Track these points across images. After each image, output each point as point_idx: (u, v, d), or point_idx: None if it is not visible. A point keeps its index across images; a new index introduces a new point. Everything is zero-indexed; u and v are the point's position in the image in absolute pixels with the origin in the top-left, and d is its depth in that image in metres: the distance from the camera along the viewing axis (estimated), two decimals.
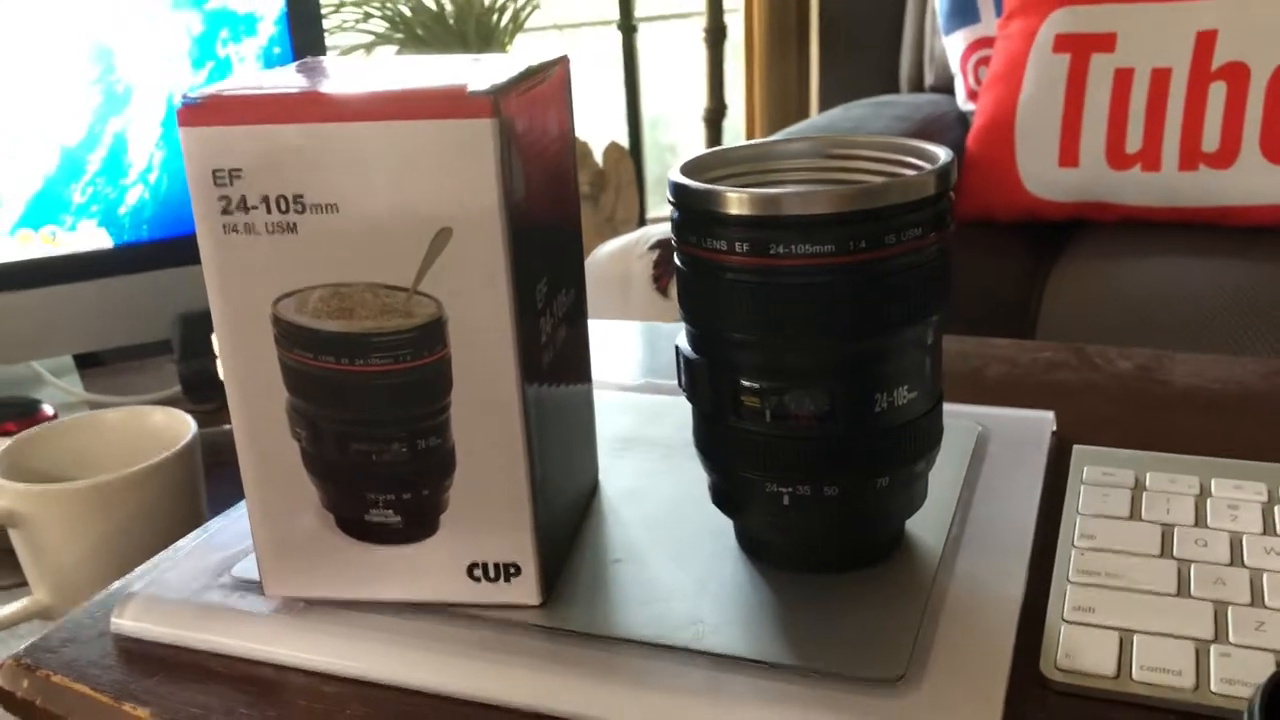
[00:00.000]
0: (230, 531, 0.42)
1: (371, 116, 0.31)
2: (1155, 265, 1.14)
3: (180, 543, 0.42)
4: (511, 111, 0.31)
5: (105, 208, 0.90)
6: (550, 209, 0.36)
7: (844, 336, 0.33)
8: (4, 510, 0.58)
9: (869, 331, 0.33)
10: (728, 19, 2.09)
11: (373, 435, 0.34)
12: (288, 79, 0.34)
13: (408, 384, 0.33)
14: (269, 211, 0.32)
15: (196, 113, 0.32)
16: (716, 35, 2.03)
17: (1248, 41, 1.13)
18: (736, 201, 0.31)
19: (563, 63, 0.38)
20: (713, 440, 0.36)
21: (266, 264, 0.33)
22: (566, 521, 0.39)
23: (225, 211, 0.33)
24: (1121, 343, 1.09)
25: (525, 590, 0.35)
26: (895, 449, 0.34)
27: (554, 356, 0.36)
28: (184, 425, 0.64)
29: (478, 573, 0.35)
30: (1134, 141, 1.17)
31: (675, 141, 2.46)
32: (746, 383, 0.33)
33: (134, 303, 0.93)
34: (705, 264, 0.33)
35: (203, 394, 0.91)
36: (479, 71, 0.33)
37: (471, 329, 0.32)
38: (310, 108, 0.31)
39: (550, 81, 0.36)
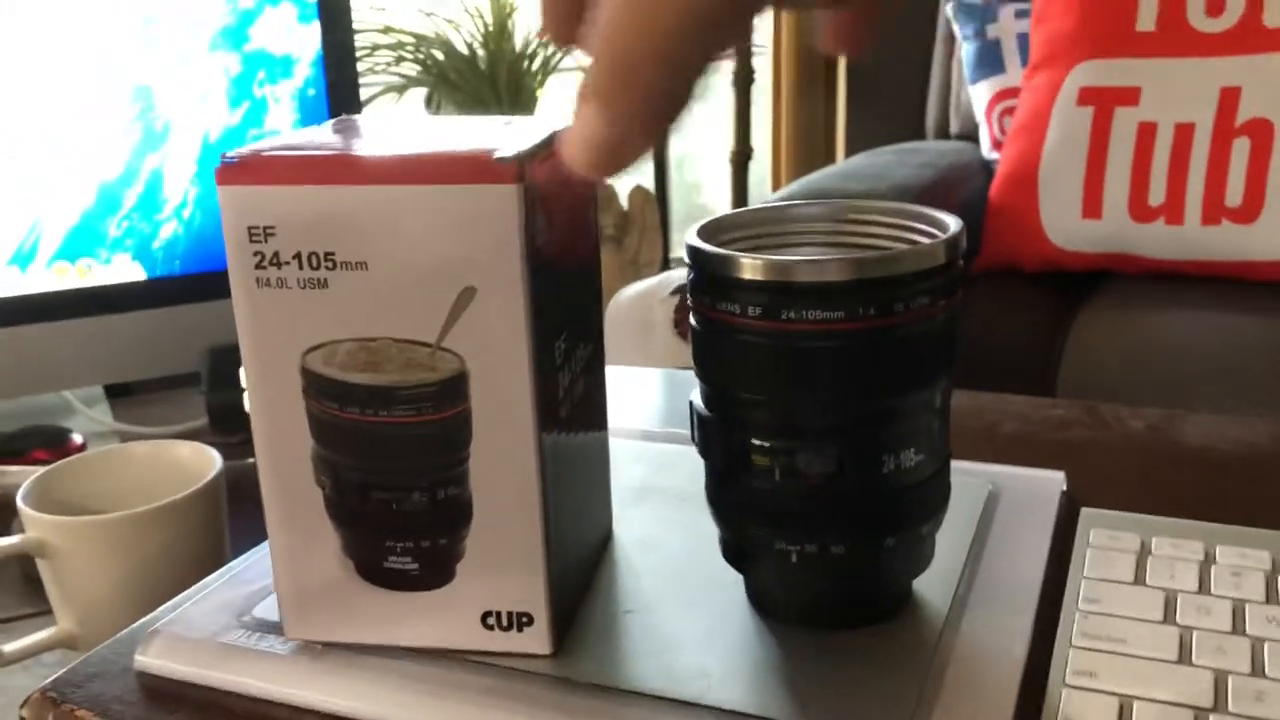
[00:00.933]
0: (253, 571, 0.43)
1: (401, 180, 0.32)
2: (1178, 318, 1.14)
3: (205, 580, 0.43)
4: (535, 176, 0.33)
5: (139, 242, 0.92)
6: (571, 265, 0.37)
7: (852, 399, 0.34)
8: (33, 541, 0.59)
9: (877, 394, 0.34)
10: (756, 62, 2.12)
11: (394, 484, 0.35)
12: (323, 138, 0.36)
13: (429, 436, 0.34)
14: (300, 268, 0.34)
15: (235, 172, 0.33)
16: (745, 79, 2.05)
17: (1271, 99, 1.14)
18: (750, 267, 0.32)
19: None
20: (723, 496, 0.37)
21: (296, 317, 0.34)
22: (580, 571, 0.40)
23: (259, 266, 0.34)
24: (1143, 395, 1.09)
25: (537, 640, 0.36)
26: (902, 510, 0.35)
27: (571, 409, 0.37)
28: (209, 461, 0.65)
29: (491, 621, 0.36)
30: (1157, 195, 1.18)
31: (700, 180, 2.47)
32: (757, 441, 0.34)
33: (165, 335, 0.95)
34: (719, 325, 0.34)
35: (229, 426, 0.93)
36: (507, 135, 0.34)
37: (492, 384, 0.34)
38: (342, 171, 0.33)
39: None
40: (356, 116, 0.42)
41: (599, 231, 0.40)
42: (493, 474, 0.35)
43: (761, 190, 2.19)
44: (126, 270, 0.93)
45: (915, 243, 0.36)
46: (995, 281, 1.28)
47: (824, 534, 0.35)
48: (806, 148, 2.08)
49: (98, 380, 1.03)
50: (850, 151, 1.98)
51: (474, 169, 0.32)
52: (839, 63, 2.07)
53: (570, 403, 0.37)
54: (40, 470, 0.63)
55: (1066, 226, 1.23)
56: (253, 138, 0.93)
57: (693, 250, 0.34)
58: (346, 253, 0.33)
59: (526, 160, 0.32)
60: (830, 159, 2.07)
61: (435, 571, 0.36)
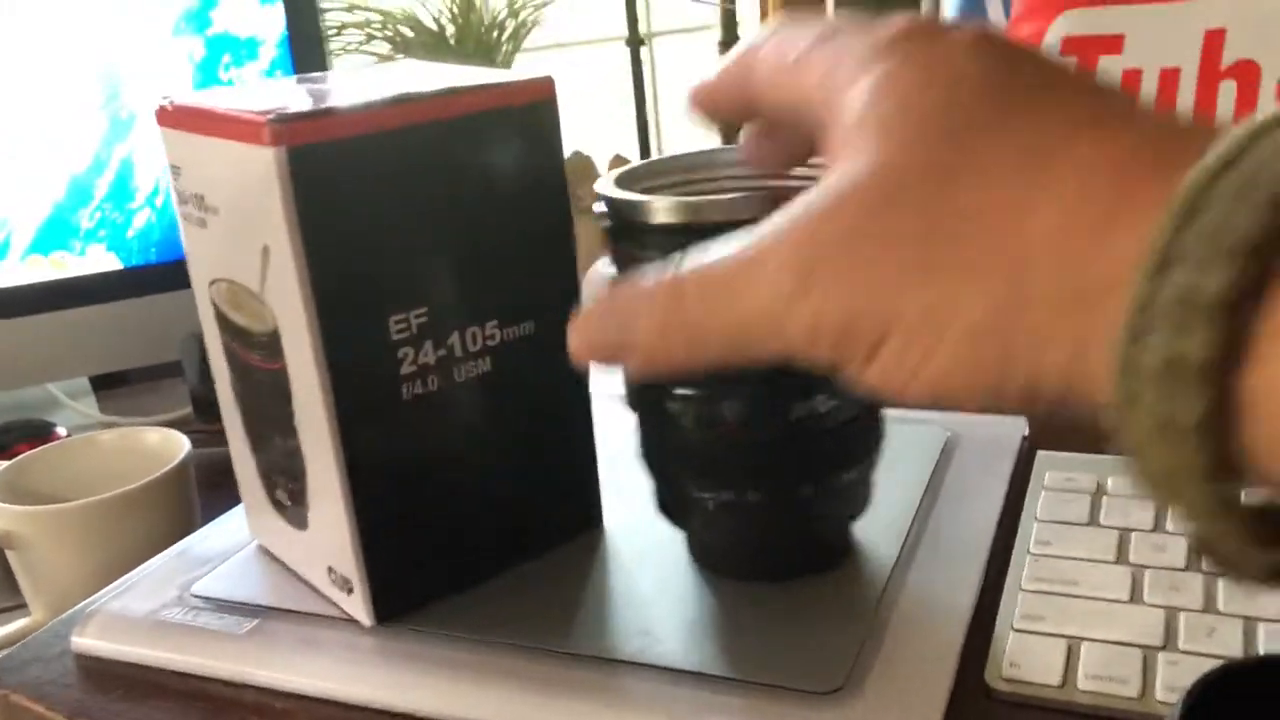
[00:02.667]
0: (199, 548, 0.42)
1: (201, 131, 0.33)
2: None
3: (148, 563, 0.42)
4: (340, 133, 0.31)
5: (113, 232, 0.92)
6: (470, 239, 0.35)
7: None
8: (1, 532, 0.59)
9: None
10: (742, 31, 2.09)
11: (265, 422, 0.37)
12: (246, 92, 0.36)
13: (270, 384, 0.35)
14: (195, 207, 0.36)
15: (160, 114, 0.37)
16: (731, 47, 2.02)
17: (1257, 39, 1.12)
18: (660, 210, 0.31)
19: (532, 88, 0.35)
20: (646, 446, 0.36)
21: (198, 250, 0.37)
22: (464, 546, 0.38)
23: (181, 202, 0.37)
24: None
25: (359, 607, 0.36)
26: (816, 457, 0.34)
27: (446, 387, 0.35)
28: (178, 445, 0.65)
29: (332, 577, 0.37)
30: None
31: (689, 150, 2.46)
32: (672, 390, 0.34)
33: (144, 325, 0.95)
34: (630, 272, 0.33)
35: (212, 413, 0.93)
36: (393, 87, 0.33)
37: (294, 347, 0.33)
38: (182, 118, 0.34)
39: (487, 99, 0.35)
40: (330, 73, 0.42)
41: (571, 204, 0.39)
42: (309, 436, 0.34)
43: None
44: (102, 261, 0.92)
45: None
46: None
47: (739, 482, 0.34)
48: None
49: (80, 372, 1.02)
50: None
51: (242, 128, 0.31)
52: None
53: (444, 380, 0.35)
54: (7, 464, 0.63)
55: None
56: None
57: (604, 198, 0.33)
58: (210, 198, 0.34)
59: (306, 119, 0.31)
60: None
61: (296, 515, 0.37)
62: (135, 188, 0.91)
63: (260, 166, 0.31)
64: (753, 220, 0.30)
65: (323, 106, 0.31)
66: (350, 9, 1.02)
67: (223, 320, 0.36)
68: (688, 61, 2.28)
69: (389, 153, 0.32)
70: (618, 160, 1.82)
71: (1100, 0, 1.20)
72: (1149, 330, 0.17)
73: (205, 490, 0.66)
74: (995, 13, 1.40)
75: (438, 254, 0.34)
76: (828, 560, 0.37)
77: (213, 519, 0.52)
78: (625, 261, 0.33)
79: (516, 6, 1.02)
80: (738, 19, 2.08)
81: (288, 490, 0.37)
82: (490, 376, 0.36)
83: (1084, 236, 0.19)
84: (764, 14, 2.10)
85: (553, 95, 0.35)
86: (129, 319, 0.94)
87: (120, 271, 0.92)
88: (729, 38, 2.05)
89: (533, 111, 0.35)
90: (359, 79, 0.37)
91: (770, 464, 0.34)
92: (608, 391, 0.53)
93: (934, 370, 0.21)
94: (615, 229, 0.33)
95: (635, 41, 1.82)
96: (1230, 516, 0.18)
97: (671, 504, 0.37)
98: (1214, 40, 1.12)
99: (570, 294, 0.37)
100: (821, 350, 0.23)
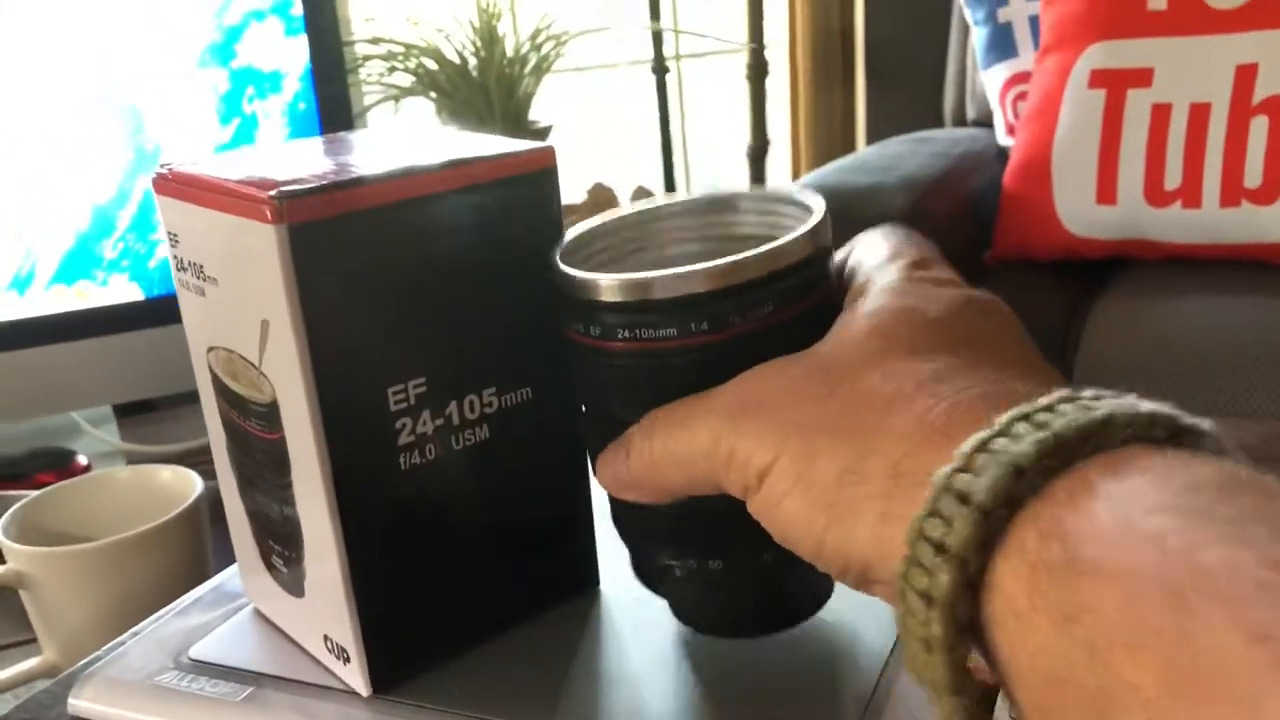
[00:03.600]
0: (194, 610, 0.42)
1: (201, 202, 0.33)
2: (1197, 304, 1.11)
3: (147, 621, 0.42)
4: (342, 208, 0.31)
5: (135, 262, 0.92)
6: (469, 308, 0.34)
7: None
8: (12, 573, 0.59)
9: None
10: (770, 55, 2.09)
11: (262, 490, 0.37)
12: (251, 157, 0.36)
13: (269, 453, 0.35)
14: (194, 275, 0.36)
15: (158, 182, 0.37)
16: (759, 71, 2.03)
17: None
18: (603, 288, 0.31)
19: (534, 158, 0.35)
20: (614, 515, 0.36)
21: (195, 318, 0.37)
22: (462, 612, 0.38)
23: (178, 268, 0.37)
24: (1163, 385, 1.06)
25: (356, 678, 0.36)
26: None
27: (444, 455, 0.35)
28: (190, 484, 0.65)
29: (329, 645, 0.36)
30: (1173, 178, 1.15)
31: (718, 174, 2.46)
32: None
33: (165, 354, 0.95)
34: (582, 348, 0.33)
35: None
36: (395, 158, 0.33)
37: (293, 419, 0.33)
38: (181, 188, 0.35)
39: (490, 170, 0.34)
40: (349, 133, 0.42)
41: None
42: (307, 506, 0.34)
43: (783, 183, 2.17)
44: (124, 291, 0.93)
45: (785, 228, 0.34)
46: (1009, 272, 1.25)
47: (702, 551, 0.34)
48: (825, 138, 2.05)
49: (102, 401, 1.03)
50: (870, 140, 1.96)
51: (244, 204, 0.31)
52: (857, 51, 2.05)
53: (443, 450, 0.35)
54: (20, 503, 0.63)
55: (1081, 213, 1.20)
56: None
57: (555, 272, 0.33)
58: (209, 268, 0.34)
59: (316, 195, 0.31)
60: (850, 148, 2.05)
61: (293, 582, 0.37)
62: (158, 219, 0.91)
63: (261, 242, 0.31)
64: (703, 294, 0.30)
65: (324, 182, 0.31)
66: (375, 41, 1.02)
67: (220, 388, 0.36)
68: (714, 86, 2.28)
69: (391, 227, 0.32)
70: (640, 192, 1.82)
71: (1129, 32, 1.19)
72: (932, 529, 0.23)
73: (219, 521, 0.67)
74: (1024, 47, 1.40)
75: (437, 324, 0.34)
76: (799, 616, 0.36)
77: (225, 555, 0.51)
78: (571, 336, 0.33)
79: (539, 40, 1.02)
80: (765, 42, 2.08)
81: (284, 557, 0.37)
82: (488, 443, 0.36)
83: (917, 448, 0.25)
84: (792, 41, 2.10)
85: (553, 164, 0.35)
86: (151, 348, 0.94)
87: (142, 302, 0.92)
88: (756, 61, 2.06)
89: (533, 181, 0.35)
90: (359, 146, 0.37)
91: (730, 533, 0.33)
92: None
93: (786, 510, 0.27)
94: (568, 303, 0.33)
95: (661, 69, 1.82)
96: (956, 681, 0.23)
97: (639, 567, 0.37)
98: (1245, 75, 1.11)
99: (567, 358, 0.36)
100: (732, 477, 0.29)
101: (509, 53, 0.98)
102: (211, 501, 0.65)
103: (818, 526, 0.26)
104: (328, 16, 0.94)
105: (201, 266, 0.35)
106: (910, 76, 1.89)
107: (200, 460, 1.00)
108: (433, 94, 1.01)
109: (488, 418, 0.36)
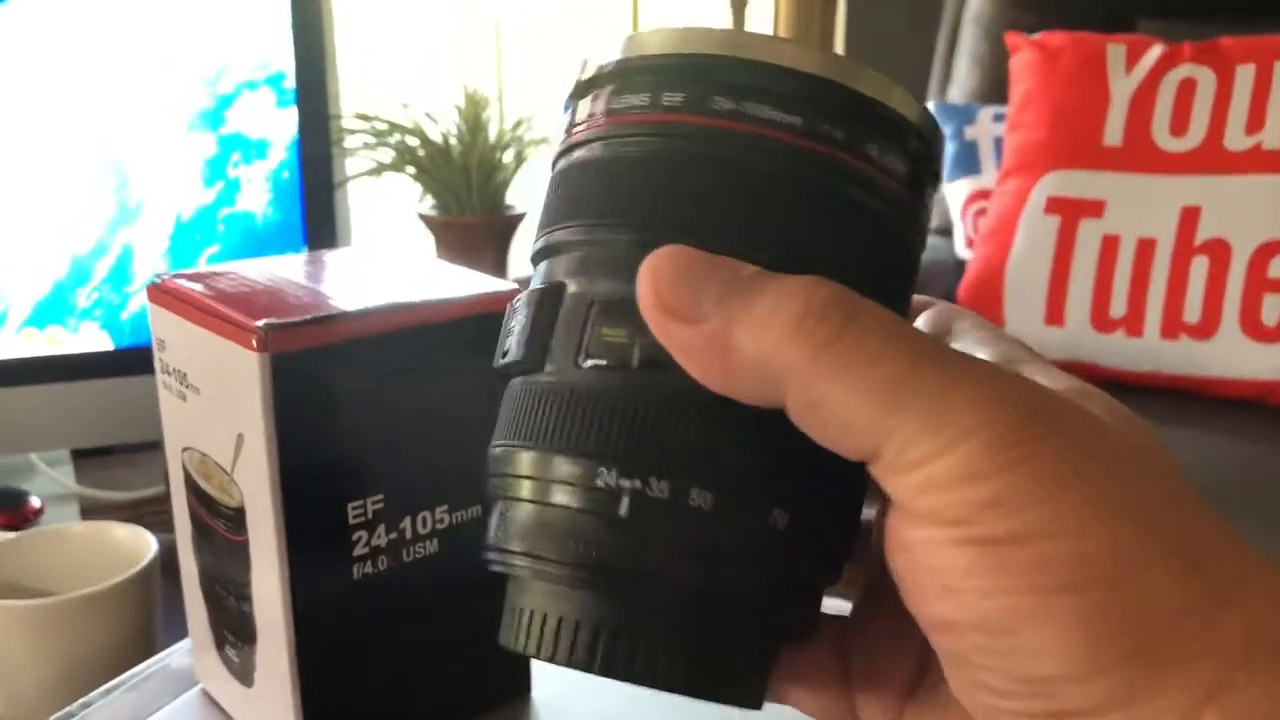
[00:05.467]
0: (145, 686, 0.44)
1: (190, 318, 0.36)
2: None
3: (92, 695, 0.44)
4: (321, 340, 0.34)
5: (108, 313, 0.94)
6: (431, 432, 0.37)
7: None
8: None
9: None
10: None
11: (222, 583, 0.39)
12: (235, 274, 0.38)
13: (229, 551, 0.37)
14: (178, 380, 0.38)
15: (152, 291, 0.39)
16: None
17: (1230, 220, 1.16)
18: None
19: (507, 296, 0.37)
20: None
21: (174, 420, 0.39)
22: (402, 715, 0.40)
23: (163, 371, 0.39)
24: None
25: None
26: None
27: (394, 567, 0.37)
28: (144, 546, 0.67)
29: None
30: (1118, 307, 1.20)
31: None
32: None
33: (129, 404, 0.97)
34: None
35: None
36: (377, 290, 0.36)
37: (257, 527, 0.36)
38: (173, 301, 0.37)
39: (465, 308, 0.37)
40: (331, 253, 0.44)
41: None
42: (263, 608, 0.37)
43: None
44: (94, 339, 0.95)
45: None
46: None
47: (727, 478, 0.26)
48: None
49: (62, 445, 1.04)
50: None
51: (231, 329, 0.34)
52: None
53: (394, 561, 0.37)
54: None
55: (1030, 332, 1.24)
56: (223, 218, 0.95)
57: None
58: (192, 378, 0.37)
59: (302, 328, 0.33)
60: None
61: (243, 670, 0.39)
62: (134, 273, 0.94)
63: (244, 366, 0.33)
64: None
65: (305, 317, 0.34)
66: (363, 118, 1.06)
67: (192, 485, 0.38)
68: None
69: (365, 357, 0.35)
70: None
71: (1085, 164, 1.24)
72: None
73: (171, 579, 0.68)
74: (988, 165, 1.45)
75: (401, 447, 0.37)
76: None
77: (173, 615, 0.53)
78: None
79: (520, 132, 1.06)
80: None
81: (235, 646, 0.39)
82: (437, 556, 0.38)
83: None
84: None
85: None
86: (114, 396, 0.96)
87: (111, 352, 0.94)
88: None
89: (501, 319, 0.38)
90: (340, 272, 0.40)
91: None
92: None
93: (1074, 609, 0.20)
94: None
95: None
96: None
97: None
98: (1190, 217, 1.16)
99: None
100: (973, 511, 0.20)
101: (491, 139, 1.02)
102: (166, 547, 0.66)
103: (1110, 660, 0.19)
104: (319, 91, 0.97)
105: (185, 375, 0.37)
106: None
107: (154, 510, 1.01)
108: (411, 169, 1.04)
109: (439, 533, 0.38)
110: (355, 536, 0.36)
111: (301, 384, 0.34)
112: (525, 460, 0.23)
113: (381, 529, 0.37)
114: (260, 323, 0.33)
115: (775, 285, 0.21)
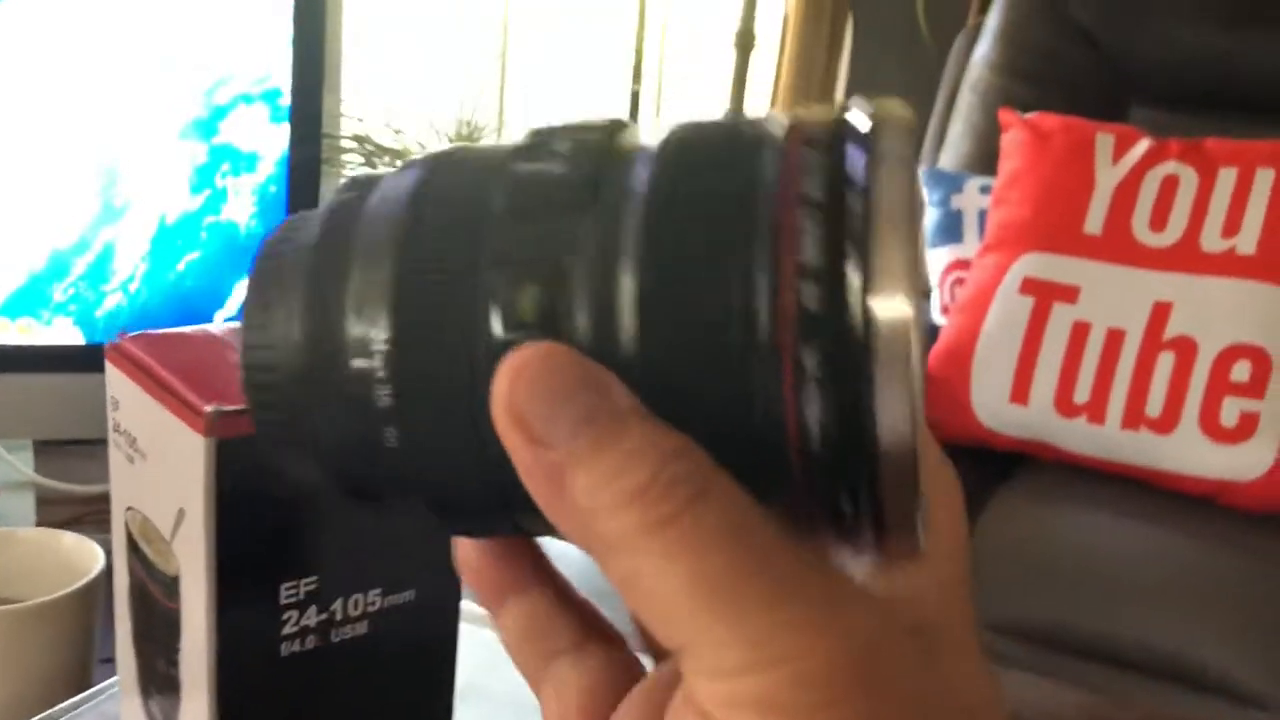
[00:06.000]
0: None
1: (145, 387, 0.36)
2: (1087, 516, 1.17)
3: None
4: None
5: (83, 308, 0.95)
6: (368, 519, 0.38)
7: None
8: None
9: None
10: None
11: (152, 643, 0.40)
12: (193, 336, 0.39)
13: (162, 615, 0.38)
14: (126, 442, 0.39)
15: (110, 352, 0.39)
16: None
17: (1199, 319, 1.18)
18: None
19: None
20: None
21: (122, 480, 0.40)
22: None
23: (114, 430, 0.40)
24: (1039, 585, 1.12)
25: None
26: None
27: (321, 646, 0.38)
28: (92, 558, 0.67)
29: None
30: (1083, 393, 1.21)
31: None
32: None
33: (98, 399, 0.97)
34: None
35: None
36: None
37: (189, 599, 0.36)
38: (132, 367, 0.37)
39: None
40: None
41: None
42: (189, 675, 0.37)
43: None
44: (67, 334, 0.95)
45: None
46: None
47: None
48: None
49: (25, 435, 1.05)
50: None
51: (182, 408, 0.35)
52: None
53: (322, 641, 0.38)
54: None
55: (994, 408, 1.26)
56: (207, 225, 0.96)
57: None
58: (141, 443, 0.38)
59: (241, 416, 0.34)
60: None
61: None
62: (113, 271, 0.94)
63: (190, 446, 0.34)
64: None
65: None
66: (356, 139, 1.06)
67: (133, 545, 0.39)
68: None
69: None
70: None
71: (1064, 249, 1.26)
72: None
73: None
74: (970, 236, 1.47)
75: (338, 532, 0.38)
76: None
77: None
78: None
79: None
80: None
81: (160, 704, 0.40)
82: (365, 638, 0.39)
83: None
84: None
85: None
86: (82, 392, 0.96)
87: (83, 346, 0.95)
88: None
89: None
90: None
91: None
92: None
93: None
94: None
95: None
96: None
97: None
98: (1160, 312, 1.18)
99: (453, 569, 0.40)
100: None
101: None
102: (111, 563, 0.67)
103: None
104: (313, 109, 0.98)
105: (135, 439, 0.38)
106: None
107: (109, 507, 1.01)
108: None
109: (369, 615, 0.39)
110: (285, 616, 0.37)
111: (246, 469, 0.34)
112: None
113: (312, 609, 0.37)
114: (209, 408, 0.34)
115: (631, 439, 0.19)
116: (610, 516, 0.19)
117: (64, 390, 0.97)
